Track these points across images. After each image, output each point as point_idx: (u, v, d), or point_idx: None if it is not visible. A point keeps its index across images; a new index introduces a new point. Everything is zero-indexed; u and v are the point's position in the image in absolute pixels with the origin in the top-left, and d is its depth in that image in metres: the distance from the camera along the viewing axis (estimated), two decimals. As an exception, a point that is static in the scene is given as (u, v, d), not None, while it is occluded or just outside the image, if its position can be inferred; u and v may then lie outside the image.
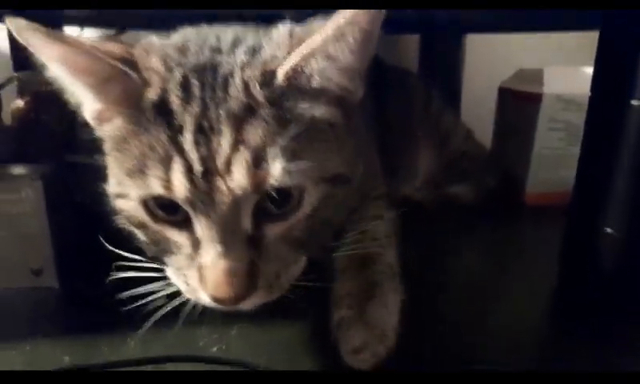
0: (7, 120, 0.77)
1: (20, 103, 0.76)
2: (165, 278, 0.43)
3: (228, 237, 0.35)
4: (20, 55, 0.88)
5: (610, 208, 0.61)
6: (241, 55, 0.38)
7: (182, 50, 0.40)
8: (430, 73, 1.06)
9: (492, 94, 1.01)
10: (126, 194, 0.38)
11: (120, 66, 0.36)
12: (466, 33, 1.08)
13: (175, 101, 0.36)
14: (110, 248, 0.45)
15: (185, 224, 0.37)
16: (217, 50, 0.39)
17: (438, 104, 0.91)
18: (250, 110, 0.35)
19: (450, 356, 0.49)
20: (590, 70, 0.65)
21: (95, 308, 0.59)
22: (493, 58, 1.13)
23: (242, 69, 0.37)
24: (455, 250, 0.74)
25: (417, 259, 0.46)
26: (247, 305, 0.38)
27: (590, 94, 0.64)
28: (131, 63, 0.38)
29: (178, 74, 0.37)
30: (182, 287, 0.41)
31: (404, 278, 0.50)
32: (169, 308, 0.43)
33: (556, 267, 0.66)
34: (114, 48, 0.39)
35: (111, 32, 1.02)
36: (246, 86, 0.36)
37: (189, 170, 0.34)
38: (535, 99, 0.91)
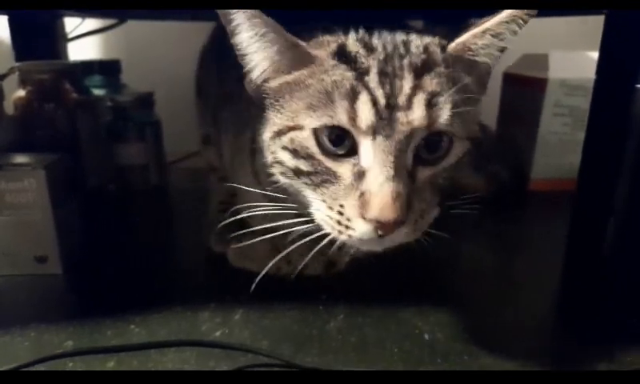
0: (9, 110, 0.77)
1: (22, 93, 0.76)
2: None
3: (397, 164, 0.40)
4: (21, 45, 0.89)
5: (615, 193, 0.61)
6: (411, 33, 0.45)
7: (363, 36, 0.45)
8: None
9: (496, 79, 1.00)
10: (301, 125, 0.42)
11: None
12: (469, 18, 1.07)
13: (356, 50, 0.42)
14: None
15: (348, 155, 0.42)
16: (392, 30, 0.45)
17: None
18: (427, 65, 0.42)
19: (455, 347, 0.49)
20: (594, 55, 0.64)
21: (99, 294, 0.60)
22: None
23: (417, 38, 0.44)
24: (461, 239, 0.73)
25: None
26: (395, 238, 0.42)
27: (595, 77, 0.63)
28: None
29: (352, 35, 0.44)
30: (332, 220, 0.43)
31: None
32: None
33: (561, 255, 0.66)
34: None
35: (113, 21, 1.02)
36: (426, 48, 0.43)
37: (373, 103, 0.40)
38: (540, 84, 0.90)
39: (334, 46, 0.43)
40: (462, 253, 0.70)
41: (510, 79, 1.00)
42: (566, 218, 0.68)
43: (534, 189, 0.94)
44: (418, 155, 0.42)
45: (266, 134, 0.46)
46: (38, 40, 0.90)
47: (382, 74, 0.41)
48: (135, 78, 1.00)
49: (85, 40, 1.05)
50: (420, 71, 0.41)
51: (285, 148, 0.44)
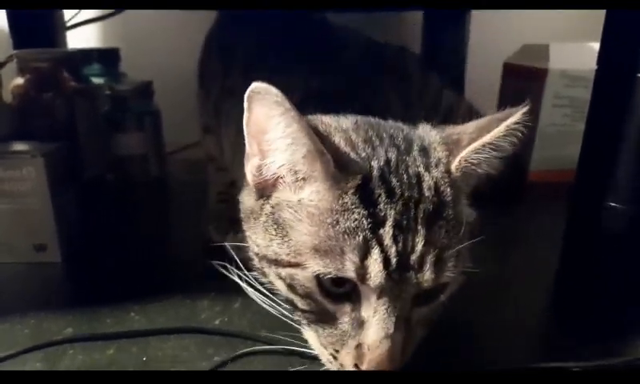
0: (7, 98, 0.77)
1: (20, 81, 0.76)
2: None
3: (398, 319, 0.38)
4: (19, 33, 0.88)
5: (615, 184, 0.61)
6: (418, 155, 0.41)
7: (367, 140, 0.42)
8: (434, 49, 1.05)
9: (497, 69, 1.00)
10: (303, 265, 0.38)
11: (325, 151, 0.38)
12: (470, 8, 1.06)
13: (379, 192, 0.38)
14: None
15: (347, 297, 0.39)
16: (397, 147, 0.42)
17: (438, 81, 0.90)
18: (438, 211, 0.39)
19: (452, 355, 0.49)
20: (595, 46, 0.63)
21: (98, 282, 0.60)
22: (498, 33, 1.11)
23: (427, 168, 0.40)
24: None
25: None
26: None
27: (595, 68, 0.63)
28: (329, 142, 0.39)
29: (375, 166, 0.39)
30: (323, 353, 0.41)
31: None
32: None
33: (560, 246, 0.66)
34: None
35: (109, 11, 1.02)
36: (437, 187, 0.40)
37: (386, 263, 0.36)
38: (540, 75, 0.90)
39: (358, 179, 0.38)
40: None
41: (510, 70, 1.00)
42: (565, 210, 0.68)
43: (533, 180, 0.94)
44: (413, 301, 0.40)
45: (257, 249, 0.42)
46: (37, 28, 0.89)
47: (397, 227, 0.37)
48: (134, 67, 1.00)
49: (84, 28, 1.04)
50: (431, 221, 0.38)
51: (281, 278, 0.41)
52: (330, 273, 0.37)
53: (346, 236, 0.37)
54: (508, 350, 0.48)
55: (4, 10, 0.89)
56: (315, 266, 0.37)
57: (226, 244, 0.51)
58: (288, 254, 0.39)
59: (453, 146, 0.42)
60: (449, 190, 0.40)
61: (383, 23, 1.00)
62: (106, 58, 0.98)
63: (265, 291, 0.46)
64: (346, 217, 0.37)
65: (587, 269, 0.63)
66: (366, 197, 0.38)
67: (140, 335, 0.48)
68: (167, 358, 0.45)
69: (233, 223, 0.66)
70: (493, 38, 1.11)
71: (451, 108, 0.89)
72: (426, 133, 0.44)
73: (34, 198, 0.60)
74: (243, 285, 0.48)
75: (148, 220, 0.81)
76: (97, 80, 0.93)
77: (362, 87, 0.60)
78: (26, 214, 0.60)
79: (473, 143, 0.41)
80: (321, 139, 0.38)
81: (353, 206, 0.37)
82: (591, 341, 0.49)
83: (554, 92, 0.90)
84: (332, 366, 0.41)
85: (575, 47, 0.90)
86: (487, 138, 0.40)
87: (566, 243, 0.67)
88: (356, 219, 0.37)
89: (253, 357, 0.46)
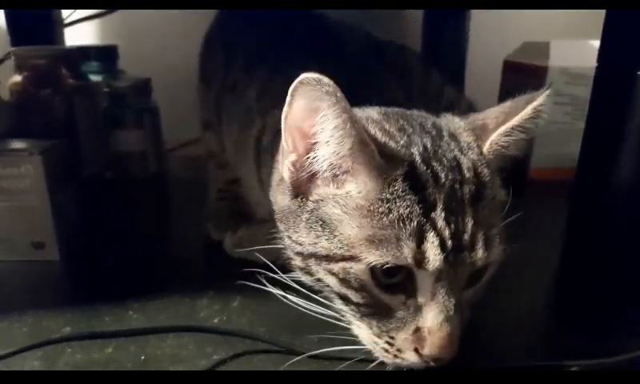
0: (5, 95, 0.76)
1: (18, 78, 0.76)
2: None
3: (455, 303, 0.39)
4: (17, 30, 0.88)
5: (615, 182, 0.61)
6: (449, 140, 0.42)
7: (400, 128, 0.42)
8: (435, 46, 1.05)
9: (497, 66, 0.99)
10: (358, 257, 0.38)
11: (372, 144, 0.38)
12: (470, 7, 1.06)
13: (426, 177, 0.39)
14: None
15: (402, 287, 0.39)
16: (429, 134, 0.42)
17: (439, 78, 0.90)
18: (479, 192, 0.40)
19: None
20: (595, 43, 0.63)
21: (96, 280, 0.60)
22: (498, 30, 1.11)
23: (462, 152, 0.41)
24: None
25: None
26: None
27: (596, 65, 0.63)
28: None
29: (416, 152, 0.40)
30: (379, 345, 0.41)
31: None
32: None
33: (560, 244, 0.66)
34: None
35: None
36: (475, 168, 0.41)
37: (442, 246, 0.37)
38: (540, 72, 0.90)
39: (405, 166, 0.39)
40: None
41: (510, 67, 0.99)
42: (565, 208, 0.68)
43: (534, 177, 0.93)
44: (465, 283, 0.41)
45: (301, 248, 0.42)
46: (34, 25, 0.88)
47: (448, 210, 0.38)
48: (133, 64, 0.99)
49: (82, 25, 1.04)
50: (475, 201, 0.39)
51: (333, 274, 0.40)
52: (387, 262, 0.37)
53: (400, 223, 0.37)
54: (506, 348, 0.48)
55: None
56: (371, 256, 0.37)
57: (255, 253, 0.50)
58: (340, 248, 0.39)
59: (480, 132, 0.44)
60: (485, 170, 0.41)
61: (383, 20, 1.00)
62: (105, 55, 0.97)
63: (306, 292, 0.45)
64: (397, 204, 0.37)
65: (587, 266, 0.63)
66: (414, 183, 0.38)
67: (139, 334, 0.48)
68: (166, 356, 0.45)
69: (232, 221, 0.66)
70: (493, 35, 1.10)
71: (452, 104, 0.89)
72: (450, 120, 0.46)
73: (32, 196, 0.60)
74: (277, 291, 0.47)
75: (147, 218, 0.81)
76: (95, 77, 0.93)
77: (362, 84, 0.60)
78: (24, 211, 0.60)
79: (501, 126, 0.42)
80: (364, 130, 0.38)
81: (403, 194, 0.38)
82: (591, 339, 0.49)
83: (554, 90, 0.90)
84: (387, 356, 0.41)
85: (576, 45, 0.90)
86: (515, 121, 0.42)
87: (566, 241, 0.67)
88: (408, 206, 0.37)
89: (252, 356, 0.46)
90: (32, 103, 0.75)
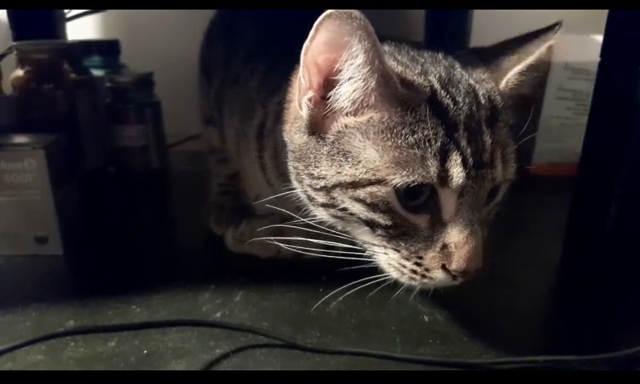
0: (8, 90, 0.76)
1: (20, 73, 0.76)
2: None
3: (478, 218, 0.41)
4: (19, 25, 0.88)
5: (618, 177, 0.60)
6: (463, 71, 0.44)
7: (413, 59, 0.43)
8: (437, 38, 1.04)
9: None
10: (385, 180, 0.39)
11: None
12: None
13: (446, 102, 0.40)
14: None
15: (426, 206, 0.40)
16: (442, 64, 0.44)
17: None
18: (494, 116, 0.42)
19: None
20: (599, 38, 0.63)
21: (99, 274, 0.60)
22: (500, 25, 1.10)
23: (478, 82, 0.43)
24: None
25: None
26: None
27: (599, 60, 0.62)
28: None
29: (434, 80, 0.41)
30: (406, 268, 0.42)
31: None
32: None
33: (562, 240, 0.66)
34: None
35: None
36: (489, 96, 0.43)
37: (464, 163, 0.39)
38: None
39: (426, 92, 0.40)
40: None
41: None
42: (568, 203, 0.68)
43: (536, 173, 0.93)
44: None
45: (325, 181, 0.42)
46: (37, 19, 0.88)
47: (468, 130, 0.40)
48: (135, 59, 0.99)
49: (84, 20, 1.04)
50: (491, 123, 0.42)
51: (359, 200, 0.41)
52: (413, 181, 0.39)
53: (424, 144, 0.38)
54: (508, 344, 0.48)
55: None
56: (397, 177, 0.39)
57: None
58: (366, 173, 0.40)
59: (495, 69, 0.45)
60: (499, 98, 0.43)
61: (384, 17, 0.99)
62: (107, 49, 0.97)
63: (327, 230, 0.45)
64: (421, 127, 0.39)
65: (589, 262, 0.63)
66: (436, 107, 0.40)
67: (142, 327, 0.48)
68: (168, 350, 0.46)
69: (233, 215, 0.66)
70: (496, 30, 1.10)
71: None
72: (461, 57, 0.46)
73: (35, 190, 0.60)
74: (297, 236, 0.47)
75: (149, 212, 0.81)
76: (97, 71, 0.93)
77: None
78: (28, 206, 0.60)
79: (517, 66, 0.44)
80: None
81: (426, 117, 0.39)
82: (592, 334, 0.49)
83: (557, 84, 0.89)
84: (415, 279, 0.42)
85: (579, 40, 0.89)
86: (531, 59, 0.44)
87: (568, 237, 0.67)
88: (432, 128, 0.39)
89: (254, 350, 0.46)
90: (34, 98, 0.75)
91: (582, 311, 0.54)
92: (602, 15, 0.62)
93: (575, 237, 0.66)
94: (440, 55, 0.45)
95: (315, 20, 0.37)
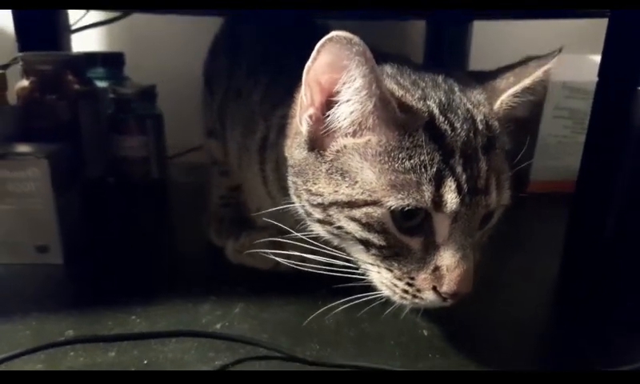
0: (12, 100, 0.77)
1: (25, 83, 0.76)
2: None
3: (471, 243, 0.41)
4: (25, 36, 0.89)
5: (615, 195, 0.61)
6: (461, 95, 0.44)
7: (414, 82, 0.44)
8: (436, 57, 1.06)
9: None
10: (380, 201, 0.40)
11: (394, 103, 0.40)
12: (472, 19, 1.07)
13: (444, 127, 0.41)
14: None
15: (418, 230, 0.41)
16: (441, 88, 0.44)
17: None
18: (491, 142, 0.43)
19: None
20: (596, 58, 0.64)
21: (100, 284, 0.60)
22: (499, 43, 1.12)
23: (476, 107, 0.44)
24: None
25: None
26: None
27: (596, 80, 0.63)
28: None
29: (433, 104, 0.42)
30: (398, 288, 0.43)
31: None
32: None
33: (560, 257, 0.66)
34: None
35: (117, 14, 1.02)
36: (486, 121, 0.43)
37: (459, 189, 0.39)
38: (541, 86, 0.91)
39: (424, 117, 0.41)
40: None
41: (511, 80, 1.00)
42: (565, 220, 0.68)
43: (533, 190, 0.94)
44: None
45: (321, 198, 0.43)
46: (42, 30, 0.89)
47: (465, 156, 0.40)
48: (138, 71, 1.00)
49: (88, 32, 1.05)
50: (488, 150, 0.42)
51: (355, 219, 0.42)
52: (408, 204, 0.39)
53: (420, 169, 0.39)
54: (506, 355, 0.49)
55: (10, 12, 0.89)
56: (392, 200, 0.39)
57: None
58: (362, 194, 0.41)
59: (490, 92, 0.46)
60: (496, 123, 0.44)
61: (385, 30, 1.01)
62: (111, 61, 0.99)
63: (323, 247, 0.46)
64: (417, 152, 0.40)
65: (587, 276, 0.63)
66: (433, 133, 0.40)
67: (141, 338, 0.48)
68: (168, 361, 0.46)
69: (234, 227, 0.66)
70: (494, 48, 1.11)
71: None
72: (460, 78, 0.47)
73: (37, 199, 0.60)
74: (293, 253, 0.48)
75: (150, 223, 0.81)
76: (101, 83, 0.94)
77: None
78: (29, 214, 0.61)
79: (512, 87, 0.45)
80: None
81: (423, 143, 0.40)
82: (588, 348, 0.50)
83: (554, 103, 0.91)
84: (406, 298, 0.42)
85: (576, 59, 0.91)
86: (526, 82, 0.44)
87: (566, 253, 0.67)
88: (428, 153, 0.40)
89: (253, 361, 0.46)
90: (38, 107, 0.76)
91: (579, 325, 0.54)
92: (599, 35, 0.63)
93: (573, 251, 0.66)
94: (440, 78, 0.45)
95: (317, 32, 0.39)
